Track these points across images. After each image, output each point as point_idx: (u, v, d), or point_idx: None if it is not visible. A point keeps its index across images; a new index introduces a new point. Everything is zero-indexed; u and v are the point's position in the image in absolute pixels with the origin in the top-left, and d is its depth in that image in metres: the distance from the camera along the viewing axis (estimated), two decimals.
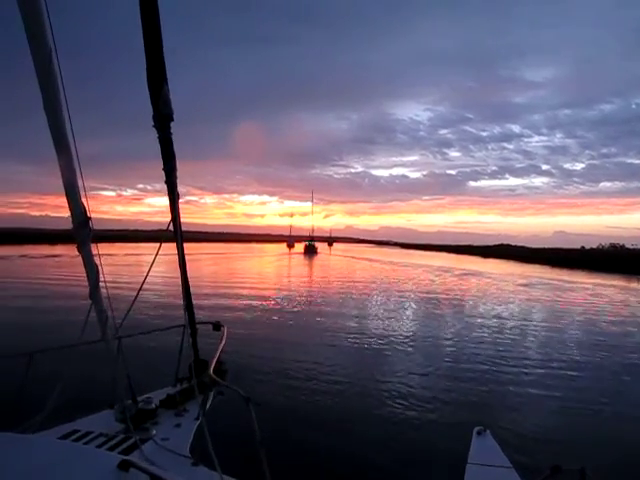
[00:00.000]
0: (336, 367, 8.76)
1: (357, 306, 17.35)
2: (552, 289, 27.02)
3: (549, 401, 7.40)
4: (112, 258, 41.89)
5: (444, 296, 21.34)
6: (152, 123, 2.82)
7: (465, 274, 38.10)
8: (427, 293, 22.46)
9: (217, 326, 4.33)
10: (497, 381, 8.39)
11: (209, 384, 3.28)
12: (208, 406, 3.49)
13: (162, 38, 2.51)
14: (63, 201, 2.50)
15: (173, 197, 3.07)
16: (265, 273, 36.20)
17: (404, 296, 20.97)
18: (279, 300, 18.35)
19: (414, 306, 17.90)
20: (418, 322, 14.20)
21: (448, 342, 11.45)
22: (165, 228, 3.06)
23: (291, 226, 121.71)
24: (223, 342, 3.78)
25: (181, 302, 3.86)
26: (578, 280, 34.93)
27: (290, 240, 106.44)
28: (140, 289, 3.12)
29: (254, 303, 17.05)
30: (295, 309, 16.31)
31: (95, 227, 2.68)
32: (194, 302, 3.68)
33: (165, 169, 3.03)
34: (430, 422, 6.31)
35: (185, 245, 3.14)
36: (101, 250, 2.78)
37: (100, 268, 2.80)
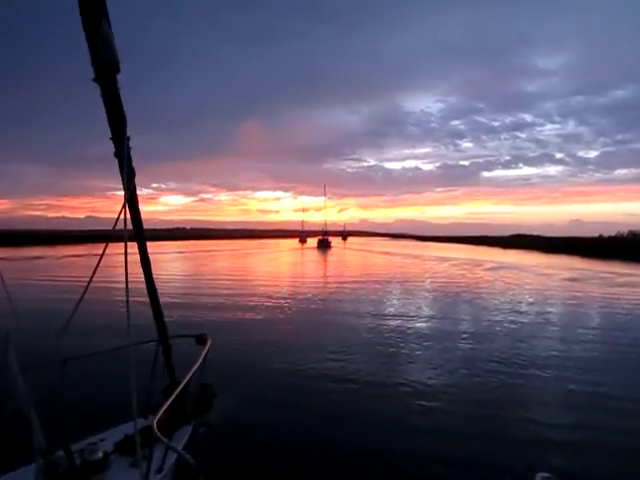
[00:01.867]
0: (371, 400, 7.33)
1: (394, 315, 14.90)
2: (611, 285, 24.30)
3: None
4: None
5: (492, 297, 19.38)
6: (92, 77, 2.25)
7: (496, 267, 37.02)
8: (470, 293, 20.67)
9: (201, 339, 3.74)
10: None
11: (178, 419, 2.69)
12: (182, 446, 2.91)
13: None
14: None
15: (126, 175, 2.48)
16: (275, 269, 36.65)
17: (444, 298, 19.01)
18: (284, 301, 18.02)
19: (467, 313, 15.42)
20: (487, 339, 11.57)
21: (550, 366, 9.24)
22: (115, 223, 2.45)
23: (303, 221, 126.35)
24: (200, 360, 3.06)
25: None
26: (627, 272, 33.31)
27: (302, 235, 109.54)
28: (81, 298, 2.53)
29: (256, 303, 16.96)
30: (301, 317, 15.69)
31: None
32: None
33: (113, 137, 2.44)
34: None
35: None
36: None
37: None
